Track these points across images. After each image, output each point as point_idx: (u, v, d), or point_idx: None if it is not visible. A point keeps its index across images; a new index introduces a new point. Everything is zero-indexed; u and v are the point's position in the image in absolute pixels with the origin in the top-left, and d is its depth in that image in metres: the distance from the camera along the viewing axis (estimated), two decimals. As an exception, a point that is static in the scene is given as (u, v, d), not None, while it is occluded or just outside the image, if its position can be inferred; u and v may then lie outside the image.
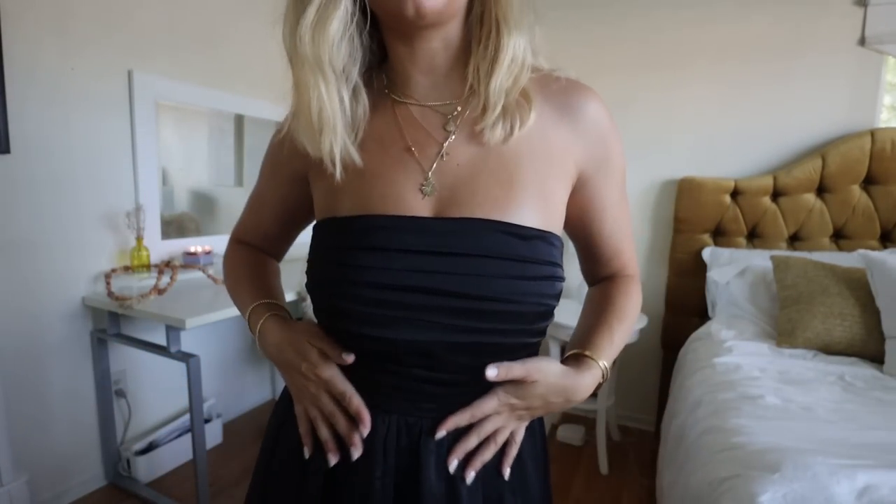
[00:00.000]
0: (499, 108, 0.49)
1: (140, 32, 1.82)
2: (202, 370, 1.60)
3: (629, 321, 0.59)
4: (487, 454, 0.52)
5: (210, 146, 2.22)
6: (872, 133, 1.86)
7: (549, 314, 0.51)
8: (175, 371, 2.05)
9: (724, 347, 1.59)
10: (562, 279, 0.52)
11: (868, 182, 1.91)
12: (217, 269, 1.98)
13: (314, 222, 0.56)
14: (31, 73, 1.53)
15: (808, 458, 0.93)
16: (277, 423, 0.61)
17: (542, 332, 0.53)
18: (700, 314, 2.10)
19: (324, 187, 0.55)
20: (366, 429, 0.50)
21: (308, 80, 0.47)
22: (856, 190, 1.91)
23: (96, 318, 1.78)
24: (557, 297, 0.52)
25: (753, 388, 1.29)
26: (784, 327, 1.63)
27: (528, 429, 0.56)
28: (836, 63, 1.93)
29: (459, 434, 0.51)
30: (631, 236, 0.63)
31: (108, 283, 1.69)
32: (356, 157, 0.50)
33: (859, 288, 1.59)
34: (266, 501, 0.59)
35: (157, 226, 1.93)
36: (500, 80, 0.49)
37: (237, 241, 0.71)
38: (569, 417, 2.45)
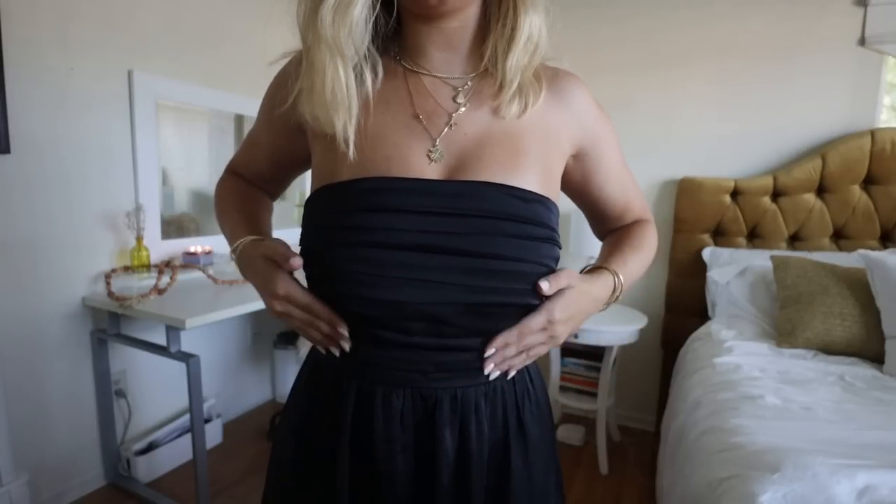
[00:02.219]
0: (515, 85, 0.52)
1: (140, 32, 1.82)
2: (202, 370, 1.60)
3: (644, 250, 0.65)
4: (518, 362, 0.54)
5: (210, 146, 2.22)
6: (872, 133, 1.86)
7: (551, 273, 0.53)
8: (175, 371, 2.05)
9: (724, 347, 1.59)
10: (559, 245, 0.55)
11: (868, 182, 1.91)
12: (217, 269, 1.99)
13: (312, 190, 0.55)
14: (31, 73, 1.53)
15: (808, 458, 0.93)
16: (298, 404, 0.61)
17: (543, 296, 0.53)
18: (700, 314, 2.10)
19: (324, 149, 0.54)
20: (342, 328, 0.51)
21: (324, 61, 0.47)
22: (856, 190, 1.91)
23: (96, 318, 1.78)
24: (556, 260, 0.54)
25: (753, 388, 1.29)
26: (784, 327, 1.63)
27: (532, 400, 0.59)
28: (836, 63, 1.93)
29: (480, 415, 0.53)
30: (639, 193, 0.69)
31: (108, 283, 1.69)
32: (352, 145, 0.51)
33: (859, 288, 1.59)
34: (300, 482, 0.58)
35: (157, 226, 1.93)
36: (517, 58, 0.51)
37: (231, 172, 0.71)
38: (569, 418, 2.45)
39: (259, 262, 0.54)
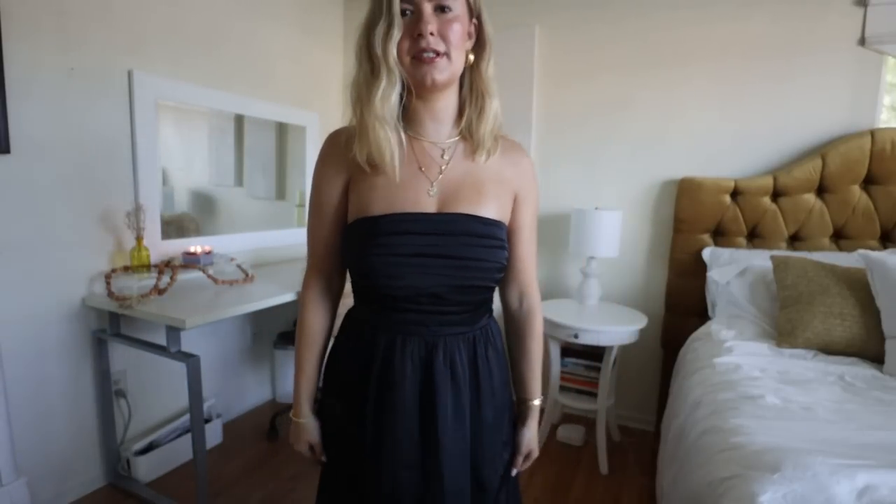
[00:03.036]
0: (487, 144, 0.82)
1: (140, 32, 1.82)
2: (202, 370, 1.61)
3: (541, 352, 0.96)
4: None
5: (210, 146, 2.22)
6: (872, 133, 1.86)
7: (502, 269, 0.83)
8: (175, 371, 2.05)
9: (724, 347, 1.59)
10: (507, 250, 0.83)
11: (868, 182, 1.91)
12: (217, 269, 1.99)
13: (349, 222, 0.82)
14: (31, 73, 1.53)
15: (808, 458, 0.93)
16: (338, 355, 0.89)
17: (498, 281, 0.85)
18: (700, 314, 2.10)
19: (359, 192, 0.81)
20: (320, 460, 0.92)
21: (376, 127, 0.75)
22: (856, 190, 1.91)
23: (96, 318, 1.78)
24: (506, 259, 0.83)
25: (753, 388, 1.29)
26: (784, 327, 1.63)
27: (492, 344, 0.88)
28: (836, 63, 1.93)
29: (460, 351, 0.82)
30: (534, 263, 0.93)
31: (108, 283, 1.69)
32: (398, 172, 0.78)
33: (859, 288, 1.59)
34: (339, 399, 0.87)
35: (157, 226, 1.93)
36: (487, 128, 0.81)
37: (314, 292, 0.90)
38: (569, 417, 2.45)
39: (300, 444, 0.92)
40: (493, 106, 0.81)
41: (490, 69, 0.80)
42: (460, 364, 0.82)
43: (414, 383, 0.80)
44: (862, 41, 1.88)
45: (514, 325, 0.95)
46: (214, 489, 1.85)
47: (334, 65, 2.84)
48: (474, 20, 0.80)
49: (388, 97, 0.74)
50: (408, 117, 0.81)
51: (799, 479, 0.88)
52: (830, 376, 1.40)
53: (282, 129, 2.56)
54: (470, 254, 0.78)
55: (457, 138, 0.83)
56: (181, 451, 1.99)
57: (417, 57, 0.73)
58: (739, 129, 2.10)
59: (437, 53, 0.73)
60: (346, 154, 0.80)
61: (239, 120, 2.31)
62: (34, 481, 1.63)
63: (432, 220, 0.78)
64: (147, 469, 1.88)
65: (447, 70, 0.75)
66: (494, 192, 0.82)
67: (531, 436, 0.94)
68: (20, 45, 1.50)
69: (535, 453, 0.95)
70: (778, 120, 2.04)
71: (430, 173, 0.81)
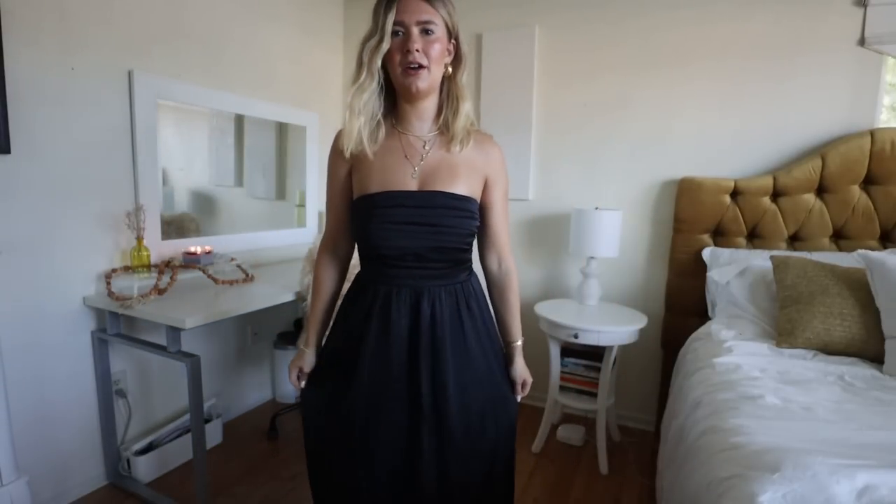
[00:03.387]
0: (460, 137, 1.02)
1: (140, 32, 1.82)
2: (202, 370, 1.61)
3: (518, 303, 1.17)
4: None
5: (210, 146, 2.22)
6: (872, 133, 1.86)
7: (473, 234, 1.04)
8: (175, 371, 2.05)
9: (724, 347, 1.59)
10: (477, 220, 1.04)
11: (868, 182, 1.91)
12: (217, 269, 1.98)
13: (354, 198, 1.04)
14: (31, 74, 1.53)
15: (808, 458, 0.93)
16: (349, 298, 1.10)
17: (471, 243, 1.06)
18: (700, 314, 2.10)
19: (359, 176, 1.03)
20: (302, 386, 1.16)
21: (348, 117, 0.98)
22: (855, 190, 1.91)
23: (97, 318, 1.78)
24: (476, 227, 1.05)
25: (753, 388, 1.29)
26: (784, 327, 1.63)
27: (472, 295, 1.07)
28: (835, 63, 1.93)
29: (441, 299, 1.02)
30: (507, 233, 1.13)
31: (108, 283, 1.69)
32: (369, 153, 1.00)
33: (859, 288, 1.59)
34: (345, 335, 1.07)
35: (157, 226, 1.93)
36: (460, 124, 1.02)
37: (325, 253, 1.15)
38: (569, 417, 2.45)
39: (293, 368, 1.17)
40: (466, 107, 1.02)
41: (464, 79, 1.03)
42: (439, 309, 1.01)
43: (405, 321, 1.00)
44: (862, 41, 1.88)
45: (496, 284, 1.15)
46: (214, 489, 1.85)
47: (334, 65, 2.84)
48: (453, 40, 1.00)
49: (360, 93, 0.96)
50: (398, 117, 1.04)
51: (799, 479, 0.88)
52: (830, 376, 1.40)
53: (282, 129, 2.56)
54: (445, 222, 0.98)
55: (436, 132, 1.04)
56: (181, 451, 1.99)
57: (406, 69, 0.94)
58: (739, 129, 2.10)
59: (421, 66, 0.94)
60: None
61: (239, 120, 2.31)
62: (35, 480, 1.62)
63: (415, 196, 0.99)
64: (147, 469, 1.88)
65: (427, 80, 0.96)
66: (465, 175, 1.02)
67: (520, 368, 1.15)
68: (21, 45, 1.50)
69: (529, 380, 1.16)
70: (778, 120, 2.04)
71: (413, 160, 1.02)
